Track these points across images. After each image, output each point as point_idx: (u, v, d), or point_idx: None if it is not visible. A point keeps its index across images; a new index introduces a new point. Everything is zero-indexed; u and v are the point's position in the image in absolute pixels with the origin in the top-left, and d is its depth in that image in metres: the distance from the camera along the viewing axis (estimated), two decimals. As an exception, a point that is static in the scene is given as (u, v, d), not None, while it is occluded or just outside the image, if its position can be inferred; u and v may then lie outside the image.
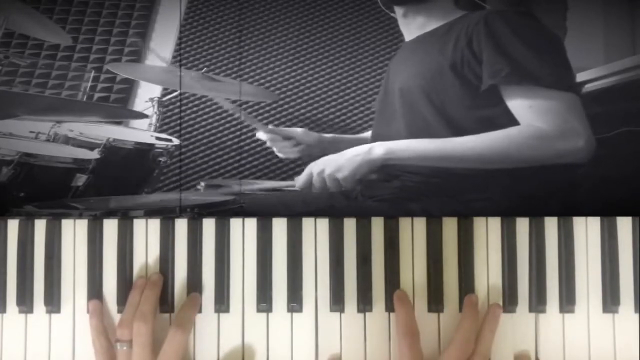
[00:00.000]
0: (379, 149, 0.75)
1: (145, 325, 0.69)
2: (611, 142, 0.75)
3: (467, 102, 0.75)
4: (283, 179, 0.77)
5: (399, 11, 0.80)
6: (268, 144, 0.78)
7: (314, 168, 0.76)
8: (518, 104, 0.74)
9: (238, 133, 0.78)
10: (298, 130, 0.78)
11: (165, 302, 0.75)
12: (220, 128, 0.78)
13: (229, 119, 0.78)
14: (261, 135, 0.78)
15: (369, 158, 0.75)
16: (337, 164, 0.75)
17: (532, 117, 0.73)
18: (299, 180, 0.76)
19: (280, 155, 0.78)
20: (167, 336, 0.69)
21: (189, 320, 0.72)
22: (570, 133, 0.73)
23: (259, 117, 0.79)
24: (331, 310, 0.75)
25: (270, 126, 0.78)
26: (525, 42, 0.74)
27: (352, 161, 0.75)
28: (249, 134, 0.78)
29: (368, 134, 0.79)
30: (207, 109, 0.78)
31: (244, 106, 0.79)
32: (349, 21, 0.80)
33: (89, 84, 0.79)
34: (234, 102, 0.78)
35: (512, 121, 0.74)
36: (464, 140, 0.74)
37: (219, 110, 0.78)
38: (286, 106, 0.79)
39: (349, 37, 0.79)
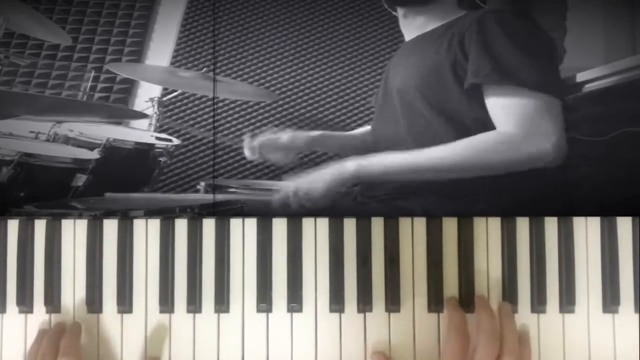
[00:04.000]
0: (350, 166, 0.75)
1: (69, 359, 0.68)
2: (611, 142, 0.75)
3: (460, 101, 0.75)
4: (283, 179, 0.77)
5: (400, 11, 0.80)
6: (258, 159, 0.77)
7: (289, 189, 0.76)
8: (493, 104, 0.74)
9: (238, 133, 0.78)
10: (284, 138, 0.78)
11: (165, 302, 0.75)
12: (220, 128, 0.78)
13: (229, 119, 0.78)
14: (249, 154, 0.77)
15: (341, 175, 0.75)
16: (310, 184, 0.76)
17: (503, 119, 0.73)
18: (276, 199, 0.76)
19: (278, 164, 0.78)
20: None
21: (72, 345, 0.71)
22: (537, 136, 0.73)
23: (259, 117, 0.79)
24: (331, 311, 0.75)
25: (255, 142, 0.77)
26: (513, 43, 0.74)
27: (323, 180, 0.75)
28: (249, 134, 0.78)
29: (359, 130, 0.79)
30: (207, 109, 0.78)
31: (244, 106, 0.79)
32: (349, 21, 0.80)
33: (89, 84, 0.79)
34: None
35: (478, 122, 0.74)
36: (435, 151, 0.74)
37: (219, 111, 0.79)
38: (286, 106, 0.79)
39: (348, 37, 0.80)
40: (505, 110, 0.73)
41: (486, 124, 0.74)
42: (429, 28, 0.79)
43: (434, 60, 0.76)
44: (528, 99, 0.73)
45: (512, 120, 0.73)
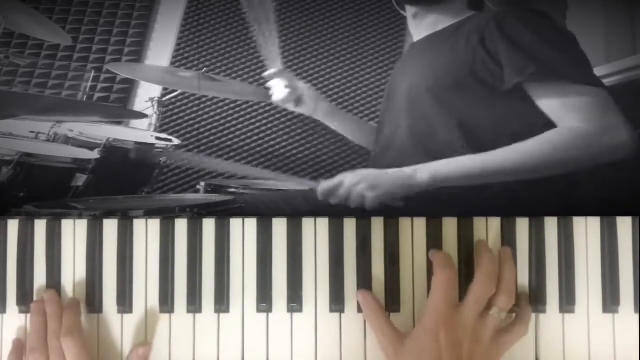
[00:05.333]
0: (424, 174, 0.73)
1: (58, 342, 0.69)
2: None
3: (482, 101, 0.74)
4: (283, 179, 0.77)
5: (410, 11, 0.79)
6: (270, 83, 0.77)
7: (348, 179, 0.74)
8: (548, 102, 0.73)
9: (238, 133, 0.78)
10: (303, 86, 0.77)
11: (165, 302, 0.75)
12: (220, 128, 0.78)
13: (229, 118, 0.78)
14: (272, 72, 0.77)
15: (413, 183, 0.73)
16: (373, 182, 0.73)
17: (566, 115, 0.72)
18: (325, 187, 0.74)
19: (273, 98, 0.77)
20: (63, 347, 0.69)
21: (74, 324, 0.71)
22: (611, 128, 0.72)
23: (259, 117, 0.79)
24: (331, 310, 0.75)
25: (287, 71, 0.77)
26: (544, 39, 0.73)
27: (389, 182, 0.73)
28: (250, 134, 0.78)
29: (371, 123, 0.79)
30: (207, 109, 0.78)
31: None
32: (350, 21, 0.80)
33: (89, 84, 0.79)
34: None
35: (531, 121, 0.73)
36: (506, 153, 0.72)
37: (218, 110, 0.79)
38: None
39: (351, 37, 0.79)
40: (567, 106, 0.72)
41: (509, 123, 0.73)
42: (439, 28, 0.78)
43: (448, 59, 0.76)
44: (583, 93, 0.72)
45: (577, 115, 0.72)
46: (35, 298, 0.75)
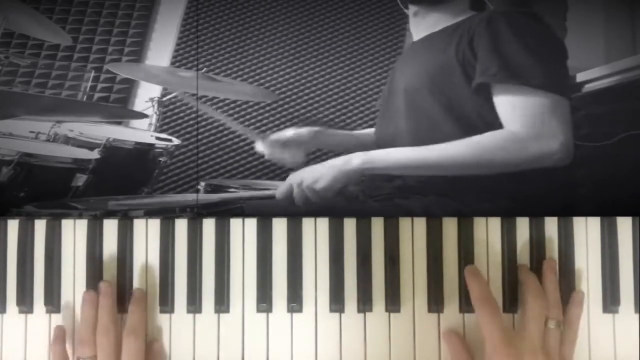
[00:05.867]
0: (357, 160, 0.75)
1: (107, 339, 0.69)
2: (611, 142, 0.75)
3: (469, 101, 0.75)
4: (283, 179, 0.77)
5: (412, 9, 0.79)
6: (267, 157, 0.77)
7: (293, 179, 0.75)
8: (503, 104, 0.73)
9: (238, 133, 0.78)
10: (289, 133, 0.77)
11: (165, 302, 0.75)
12: (220, 128, 0.78)
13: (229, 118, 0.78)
14: (259, 147, 0.77)
15: (347, 169, 0.75)
16: (315, 176, 0.75)
17: (511, 118, 0.73)
18: (280, 191, 0.75)
19: (288, 165, 0.77)
20: (123, 344, 0.70)
21: (139, 323, 0.72)
22: (545, 136, 0.72)
23: (259, 117, 0.79)
24: (331, 310, 0.75)
25: (267, 137, 0.77)
26: (522, 42, 0.74)
27: (329, 172, 0.75)
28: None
29: (364, 131, 0.79)
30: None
31: (244, 107, 0.79)
32: (350, 21, 0.80)
33: (89, 84, 0.79)
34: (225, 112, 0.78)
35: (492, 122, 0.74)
36: (441, 148, 0.74)
37: (218, 111, 0.78)
38: (286, 106, 0.79)
39: (350, 37, 0.79)
40: (514, 109, 0.73)
41: (494, 124, 0.73)
42: (439, 28, 0.78)
43: (442, 59, 0.76)
44: (536, 98, 0.73)
45: (520, 119, 0.73)
46: (34, 299, 0.75)
